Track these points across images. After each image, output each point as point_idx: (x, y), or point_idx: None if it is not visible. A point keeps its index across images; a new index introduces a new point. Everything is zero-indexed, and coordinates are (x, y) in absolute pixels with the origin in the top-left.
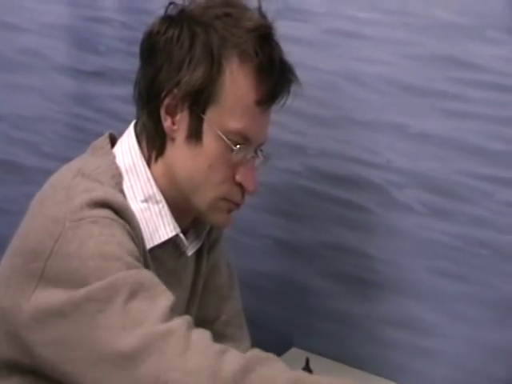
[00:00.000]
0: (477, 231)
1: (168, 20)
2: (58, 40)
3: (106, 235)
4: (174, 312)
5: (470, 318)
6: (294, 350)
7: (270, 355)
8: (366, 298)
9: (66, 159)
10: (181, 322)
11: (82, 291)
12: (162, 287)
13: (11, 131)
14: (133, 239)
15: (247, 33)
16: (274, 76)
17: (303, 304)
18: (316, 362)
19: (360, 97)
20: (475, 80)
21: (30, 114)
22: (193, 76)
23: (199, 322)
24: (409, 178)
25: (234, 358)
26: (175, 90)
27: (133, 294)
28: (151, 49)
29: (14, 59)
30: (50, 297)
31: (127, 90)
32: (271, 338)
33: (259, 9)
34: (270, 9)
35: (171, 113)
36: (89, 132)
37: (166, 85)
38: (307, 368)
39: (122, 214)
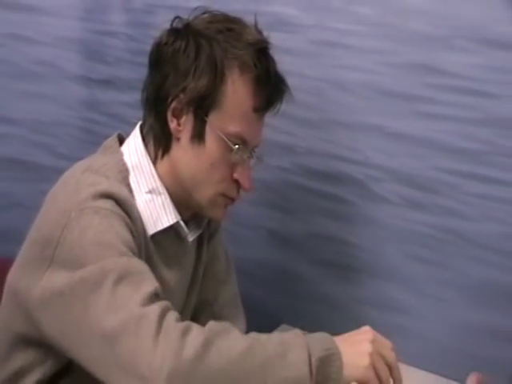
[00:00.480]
0: (447, 220)
1: (175, 33)
2: (71, 52)
3: (104, 225)
4: (156, 297)
5: (440, 299)
6: (283, 327)
7: (226, 325)
8: (347, 281)
9: (79, 159)
10: (156, 307)
11: (78, 274)
12: (149, 275)
13: (29, 134)
14: (130, 230)
15: (247, 46)
16: (270, 86)
17: (292, 287)
18: None
19: (343, 101)
20: (446, 85)
21: (46, 118)
22: (198, 83)
23: (200, 304)
24: (386, 173)
25: (195, 335)
26: (181, 95)
27: (120, 278)
28: (159, 58)
29: (31, 70)
30: (55, 280)
31: (133, 96)
32: (263, 317)
33: (255, 25)
34: (263, 22)
35: (177, 115)
36: (99, 134)
37: (173, 90)
38: None
39: (124, 206)
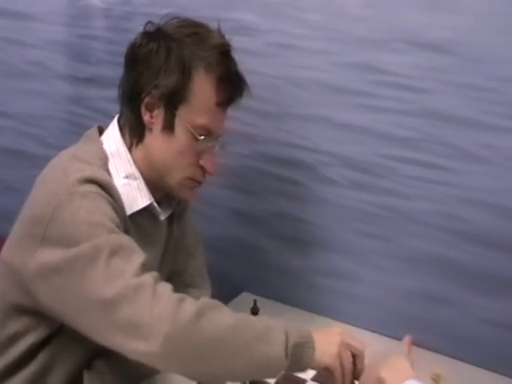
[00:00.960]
0: (387, 199)
1: (147, 36)
2: (58, 53)
3: (93, 206)
4: (145, 267)
5: (382, 268)
6: (243, 294)
7: (219, 303)
8: (300, 253)
9: (62, 147)
10: (149, 277)
11: (73, 250)
12: (137, 248)
13: (22, 127)
14: (114, 209)
15: (211, 49)
16: (231, 84)
17: (252, 259)
18: (262, 303)
19: (296, 96)
20: (384, 82)
21: (36, 112)
22: (168, 81)
23: (171, 275)
24: (334, 159)
25: (189, 305)
26: (153, 91)
27: (113, 253)
28: (134, 58)
29: (23, 69)
30: (49, 255)
31: (113, 93)
32: (227, 286)
33: (219, 30)
34: (227, 27)
35: (150, 109)
36: (83, 126)
37: (146, 87)
38: (255, 307)
39: (107, 189)
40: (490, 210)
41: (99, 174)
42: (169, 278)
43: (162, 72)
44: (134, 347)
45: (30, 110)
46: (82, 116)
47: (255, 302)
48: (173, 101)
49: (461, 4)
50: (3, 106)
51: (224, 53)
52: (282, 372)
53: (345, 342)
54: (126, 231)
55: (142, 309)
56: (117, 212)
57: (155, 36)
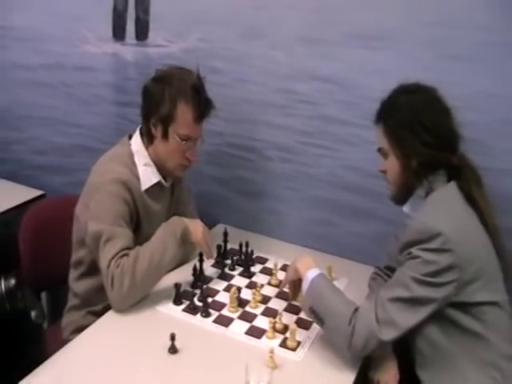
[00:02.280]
0: (302, 168)
1: (152, 81)
2: (108, 89)
3: (111, 201)
4: (123, 251)
5: (298, 207)
6: (219, 225)
7: (136, 253)
8: (252, 200)
9: (114, 144)
10: (115, 263)
11: (94, 226)
12: (125, 237)
13: (88, 133)
14: (128, 204)
15: (190, 87)
16: (203, 109)
17: (223, 204)
18: (230, 229)
19: (248, 109)
20: (297, 99)
21: (96, 124)
22: (163, 110)
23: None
24: (270, 145)
25: (126, 271)
26: (155, 116)
27: (108, 238)
28: (145, 95)
29: (89, 99)
30: (90, 225)
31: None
32: (209, 220)
33: (197, 72)
34: (206, 70)
35: (154, 126)
36: (124, 131)
37: (152, 114)
38: (225, 232)
39: (128, 186)
40: (355, 172)
41: (124, 176)
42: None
43: (160, 104)
44: (108, 289)
45: (93, 122)
46: (122, 125)
47: (225, 229)
48: (166, 121)
49: (337, 55)
50: (78, 121)
51: (197, 89)
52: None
53: (206, 230)
54: (144, 202)
55: (108, 283)
56: (128, 204)
57: (157, 80)
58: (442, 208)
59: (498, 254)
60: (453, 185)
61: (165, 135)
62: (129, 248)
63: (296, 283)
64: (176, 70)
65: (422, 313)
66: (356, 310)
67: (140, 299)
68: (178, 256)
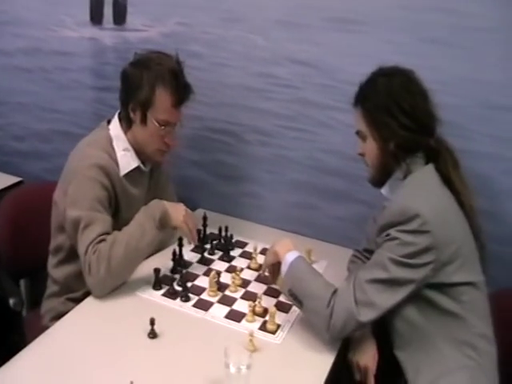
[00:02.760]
0: (280, 151)
1: (131, 65)
2: (87, 74)
3: (89, 186)
4: (101, 236)
5: (277, 190)
6: (199, 210)
7: (114, 237)
8: (232, 184)
9: (92, 129)
10: (91, 249)
11: (73, 212)
12: (103, 222)
13: (67, 118)
14: (107, 189)
15: (168, 72)
16: (181, 93)
17: (203, 188)
18: (209, 214)
19: (226, 93)
20: (276, 83)
21: (76, 109)
22: (142, 94)
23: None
24: (249, 128)
25: (102, 256)
26: (134, 101)
27: (87, 224)
28: (124, 79)
29: (68, 84)
30: (68, 211)
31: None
32: (189, 204)
33: (177, 56)
34: (184, 54)
35: (133, 111)
36: (103, 116)
37: (130, 99)
38: (205, 217)
39: (107, 171)
40: (334, 155)
41: (101, 160)
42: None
43: (139, 89)
44: (86, 274)
45: (71, 107)
46: (101, 110)
47: (205, 213)
48: (145, 106)
49: (315, 39)
50: (57, 106)
51: (175, 74)
52: (160, 237)
53: (188, 213)
54: (123, 186)
55: (85, 268)
56: (107, 189)
57: (135, 65)
58: (419, 190)
59: (474, 235)
60: (430, 167)
61: (143, 120)
62: (107, 233)
63: (275, 266)
64: (155, 55)
65: (400, 294)
66: (335, 291)
67: (120, 284)
68: (157, 240)
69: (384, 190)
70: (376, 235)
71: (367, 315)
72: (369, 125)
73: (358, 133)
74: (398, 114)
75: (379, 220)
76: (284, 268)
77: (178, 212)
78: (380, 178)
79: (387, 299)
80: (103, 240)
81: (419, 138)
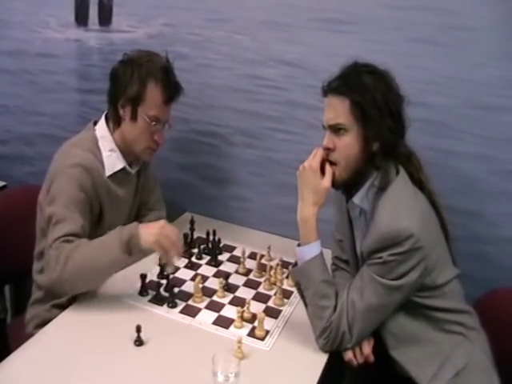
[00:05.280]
0: (266, 153)
1: (121, 62)
2: (72, 76)
3: (68, 185)
4: (69, 236)
5: (264, 192)
6: (186, 213)
7: (78, 244)
8: (218, 186)
9: (77, 132)
10: (55, 246)
11: (49, 209)
12: (74, 223)
13: (51, 121)
14: (85, 191)
15: (158, 69)
16: (171, 90)
17: (191, 191)
18: (197, 217)
19: (212, 94)
20: (263, 84)
21: (60, 112)
22: (132, 90)
23: (141, 204)
24: (235, 131)
25: (61, 260)
26: (125, 98)
27: (57, 221)
28: (113, 76)
29: (52, 86)
30: (48, 208)
31: (104, 98)
32: (175, 208)
33: (166, 56)
34: (173, 55)
35: (123, 108)
36: (87, 119)
37: (120, 95)
38: (192, 221)
39: (90, 172)
40: None
41: (86, 161)
42: (140, 206)
43: (129, 85)
44: (45, 267)
45: (56, 110)
46: (86, 113)
47: (192, 217)
48: (135, 102)
49: (302, 40)
50: (41, 109)
51: (166, 70)
52: (128, 261)
53: (163, 233)
54: (109, 188)
55: (48, 266)
56: (85, 191)
57: (125, 62)
58: (404, 204)
59: (443, 230)
60: (403, 174)
61: (133, 116)
62: (76, 235)
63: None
64: (145, 53)
65: (390, 311)
66: (335, 308)
67: (78, 292)
68: (122, 263)
69: (357, 199)
70: (365, 255)
71: (360, 334)
72: (357, 120)
73: (335, 125)
74: (386, 115)
75: (367, 241)
76: (299, 260)
77: (149, 233)
78: (348, 181)
79: (376, 322)
80: (69, 241)
81: (398, 142)
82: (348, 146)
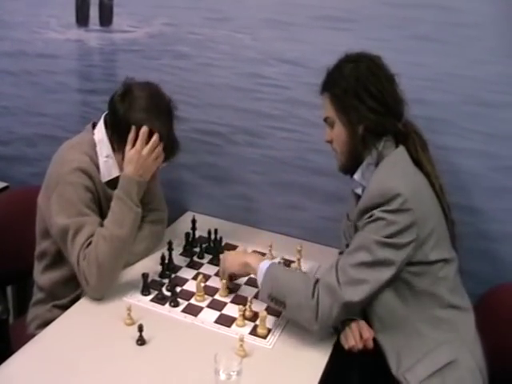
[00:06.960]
0: (268, 151)
1: (121, 95)
2: (73, 76)
3: (74, 191)
4: (92, 233)
5: (267, 191)
6: (188, 213)
7: (101, 235)
8: (219, 186)
9: (78, 132)
10: (82, 254)
11: (60, 221)
12: (92, 225)
13: (53, 121)
14: (91, 191)
15: (152, 107)
16: (167, 115)
17: (192, 191)
18: (198, 217)
19: (213, 94)
20: (264, 83)
21: (61, 112)
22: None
23: (144, 205)
24: (237, 129)
25: (92, 257)
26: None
27: (76, 231)
28: (112, 105)
29: (53, 87)
30: (55, 219)
31: (105, 98)
32: (177, 208)
33: (170, 101)
34: (172, 54)
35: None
36: (89, 119)
37: (121, 117)
38: (193, 220)
39: (89, 174)
40: (324, 155)
41: (85, 164)
42: (143, 207)
43: (127, 117)
44: (83, 284)
45: (57, 111)
46: (88, 113)
47: (194, 216)
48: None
49: (303, 37)
50: (42, 110)
51: (164, 113)
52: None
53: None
54: (105, 192)
55: (79, 270)
56: (92, 193)
57: (123, 95)
58: (396, 170)
59: (445, 213)
60: (402, 149)
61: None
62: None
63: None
64: (140, 87)
65: (385, 275)
66: (316, 281)
67: (118, 276)
68: (138, 212)
69: (357, 176)
70: (356, 219)
71: (352, 294)
72: (337, 110)
73: (326, 119)
74: (366, 97)
75: (359, 204)
76: (260, 277)
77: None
78: (350, 165)
79: (372, 280)
80: (90, 243)
81: (387, 121)
82: (338, 134)
